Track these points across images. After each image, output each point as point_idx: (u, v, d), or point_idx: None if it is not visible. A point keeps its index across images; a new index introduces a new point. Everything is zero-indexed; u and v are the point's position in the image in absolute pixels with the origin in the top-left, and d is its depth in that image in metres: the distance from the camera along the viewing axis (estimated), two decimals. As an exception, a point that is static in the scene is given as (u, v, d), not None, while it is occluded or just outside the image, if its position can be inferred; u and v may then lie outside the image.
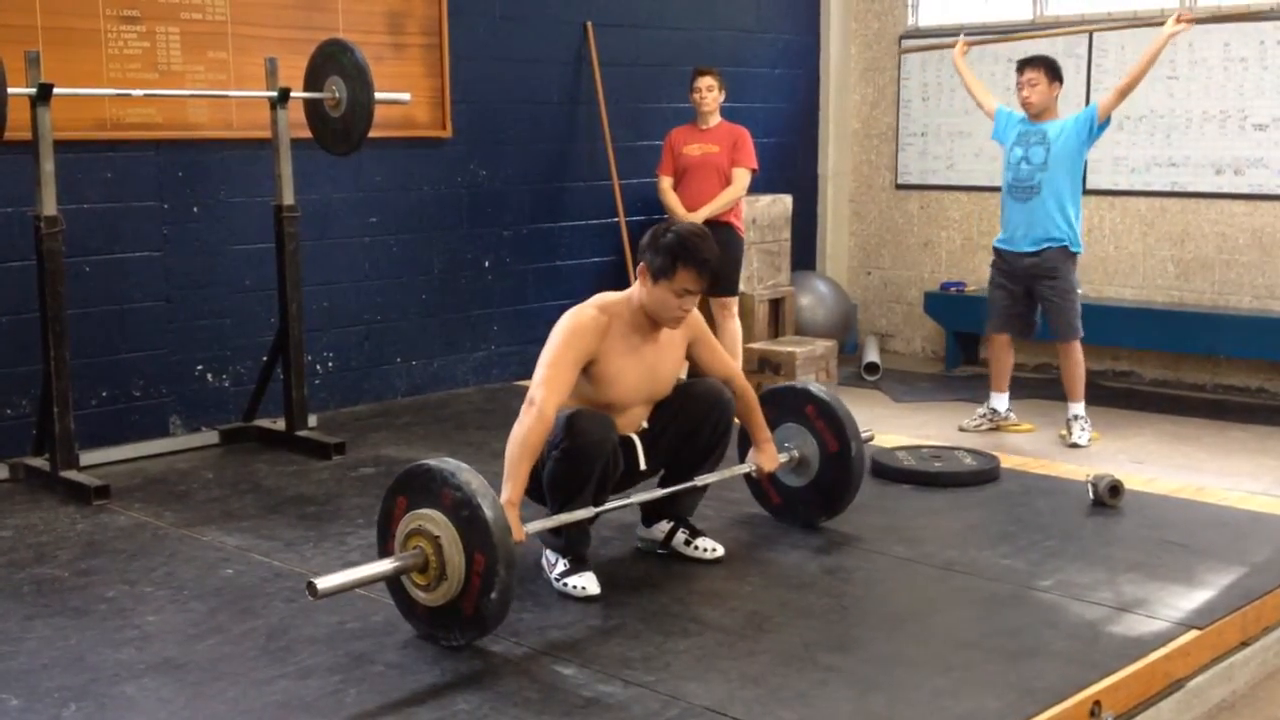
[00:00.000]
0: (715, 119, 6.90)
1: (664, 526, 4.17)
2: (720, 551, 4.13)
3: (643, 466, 3.98)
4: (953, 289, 8.26)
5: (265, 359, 5.79)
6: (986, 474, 5.10)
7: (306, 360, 5.84)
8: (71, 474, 4.94)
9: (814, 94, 8.75)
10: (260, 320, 6.01)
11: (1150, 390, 7.54)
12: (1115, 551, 4.27)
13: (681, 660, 3.36)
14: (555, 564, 3.87)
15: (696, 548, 4.14)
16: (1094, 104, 6.24)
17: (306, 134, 5.71)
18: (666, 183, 6.93)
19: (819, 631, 3.58)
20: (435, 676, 3.28)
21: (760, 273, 7.72)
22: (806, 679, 3.25)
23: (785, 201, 7.96)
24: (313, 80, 5.62)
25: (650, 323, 3.90)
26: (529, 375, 4.04)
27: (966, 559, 4.16)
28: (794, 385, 4.52)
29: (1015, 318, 6.41)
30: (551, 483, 3.77)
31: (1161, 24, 6.10)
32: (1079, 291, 6.31)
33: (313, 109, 5.66)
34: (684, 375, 4.26)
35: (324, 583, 3.21)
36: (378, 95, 5.49)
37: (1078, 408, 6.27)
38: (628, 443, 3.92)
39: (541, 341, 3.87)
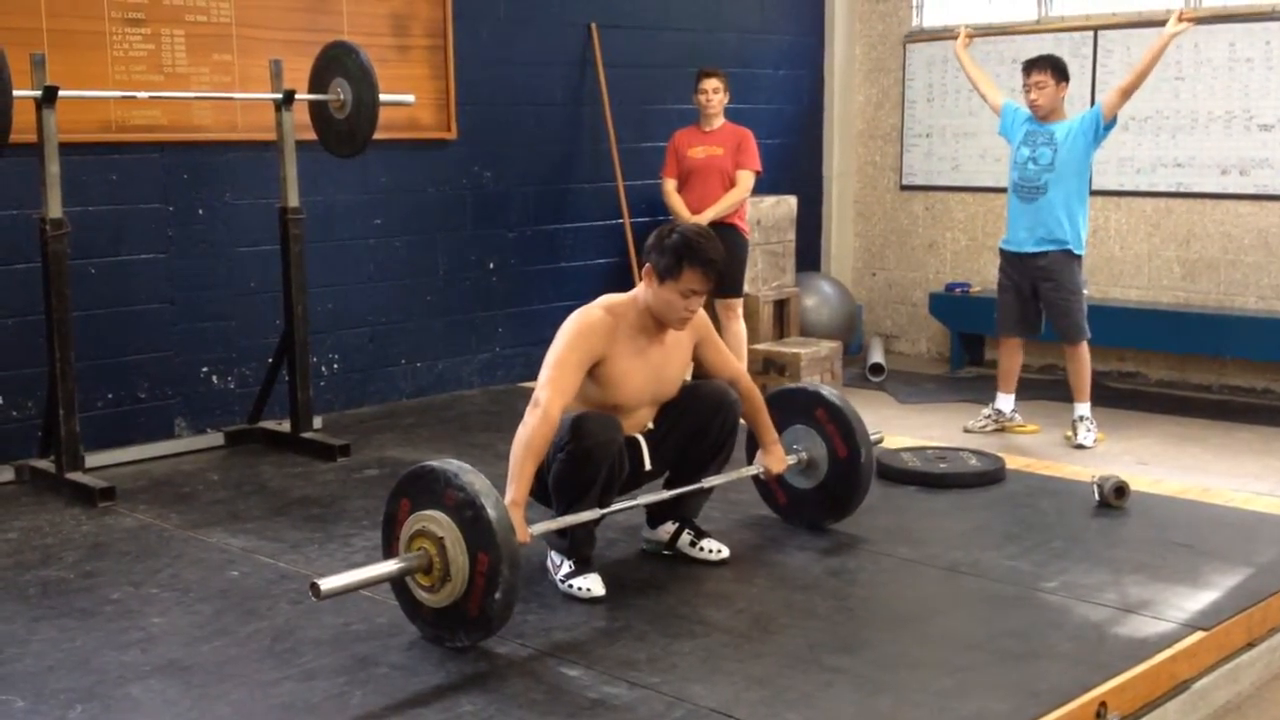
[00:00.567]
0: (719, 121, 6.90)
1: (669, 528, 4.17)
2: (725, 553, 4.13)
3: (647, 467, 3.98)
4: (958, 290, 8.25)
5: (270, 361, 5.80)
6: (992, 475, 5.09)
7: (311, 362, 5.85)
8: (77, 476, 4.94)
9: (818, 95, 8.75)
10: (265, 322, 6.01)
11: (1156, 391, 7.53)
12: (1121, 553, 4.26)
13: (687, 662, 3.36)
14: (560, 566, 3.87)
15: (702, 549, 4.13)
16: (1099, 104, 6.23)
17: (311, 136, 5.72)
18: (671, 185, 6.93)
19: (824, 633, 3.58)
20: (440, 678, 3.28)
21: (765, 274, 7.72)
22: (812, 680, 3.25)
23: (790, 203, 7.96)
24: (318, 82, 5.63)
25: (656, 324, 3.89)
26: (534, 377, 4.04)
27: (971, 560, 4.16)
28: (805, 387, 4.51)
29: (1024, 320, 6.41)
30: (557, 485, 3.77)
31: (1164, 23, 6.10)
32: (1085, 293, 6.30)
33: (318, 111, 5.67)
34: (688, 376, 4.26)
35: (327, 584, 3.21)
36: (382, 97, 5.50)
37: (1083, 409, 6.27)
38: (633, 443, 3.92)
39: (546, 343, 3.86)
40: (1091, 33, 7.70)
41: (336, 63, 5.57)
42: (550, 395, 3.64)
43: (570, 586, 3.81)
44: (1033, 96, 6.21)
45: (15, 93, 4.58)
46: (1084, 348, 6.21)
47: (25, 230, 5.18)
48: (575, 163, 7.33)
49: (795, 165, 8.57)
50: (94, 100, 5.40)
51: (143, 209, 5.69)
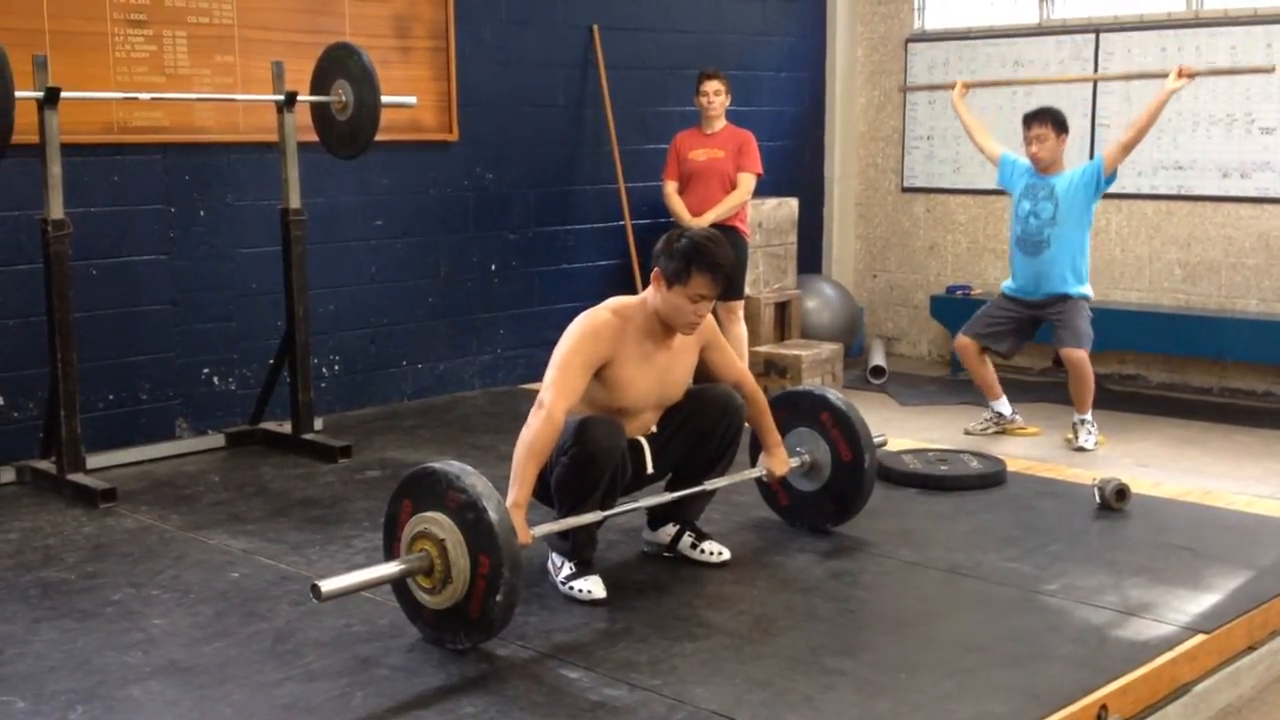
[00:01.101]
0: (721, 123, 6.90)
1: (670, 530, 4.17)
2: (726, 555, 4.13)
3: (650, 470, 3.98)
4: (959, 292, 8.25)
5: (271, 362, 5.80)
6: (992, 477, 5.10)
7: (313, 363, 5.85)
8: (78, 477, 4.95)
9: (820, 97, 8.75)
10: (267, 323, 6.02)
11: (1157, 394, 7.53)
12: (1121, 555, 4.26)
13: (688, 664, 3.36)
14: (561, 567, 3.87)
15: (703, 551, 4.14)
16: (1100, 158, 6.22)
17: (313, 137, 5.72)
18: (672, 188, 6.93)
19: (825, 635, 3.58)
20: (441, 680, 3.28)
21: (766, 276, 7.72)
22: (813, 683, 3.25)
23: (791, 205, 7.97)
24: (319, 84, 5.63)
25: (664, 328, 3.88)
26: (535, 379, 4.05)
27: (972, 563, 4.16)
28: (810, 390, 4.51)
29: (1001, 337, 6.38)
30: (560, 488, 3.77)
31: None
32: (1090, 316, 6.25)
33: (319, 112, 5.67)
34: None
35: (328, 585, 3.21)
36: (384, 99, 5.50)
37: (1084, 413, 6.26)
38: (635, 446, 3.92)
39: (548, 344, 3.86)
40: (1093, 35, 7.71)
41: (338, 64, 5.57)
42: (554, 397, 3.64)
43: (571, 589, 3.81)
44: (1033, 149, 6.22)
45: (17, 94, 4.58)
46: (1085, 361, 6.15)
47: (27, 231, 5.18)
48: (577, 165, 7.33)
49: (796, 167, 8.57)
50: (96, 101, 5.40)
51: (144, 210, 5.69)
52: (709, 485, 4.07)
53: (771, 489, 4.47)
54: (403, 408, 6.57)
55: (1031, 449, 6.13)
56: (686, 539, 4.15)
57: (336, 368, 6.41)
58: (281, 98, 5.54)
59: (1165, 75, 6.13)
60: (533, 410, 3.65)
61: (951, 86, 6.84)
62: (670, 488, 4.10)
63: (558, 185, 7.25)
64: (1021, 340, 6.47)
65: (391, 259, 6.57)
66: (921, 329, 8.71)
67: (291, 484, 5.15)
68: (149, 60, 5.62)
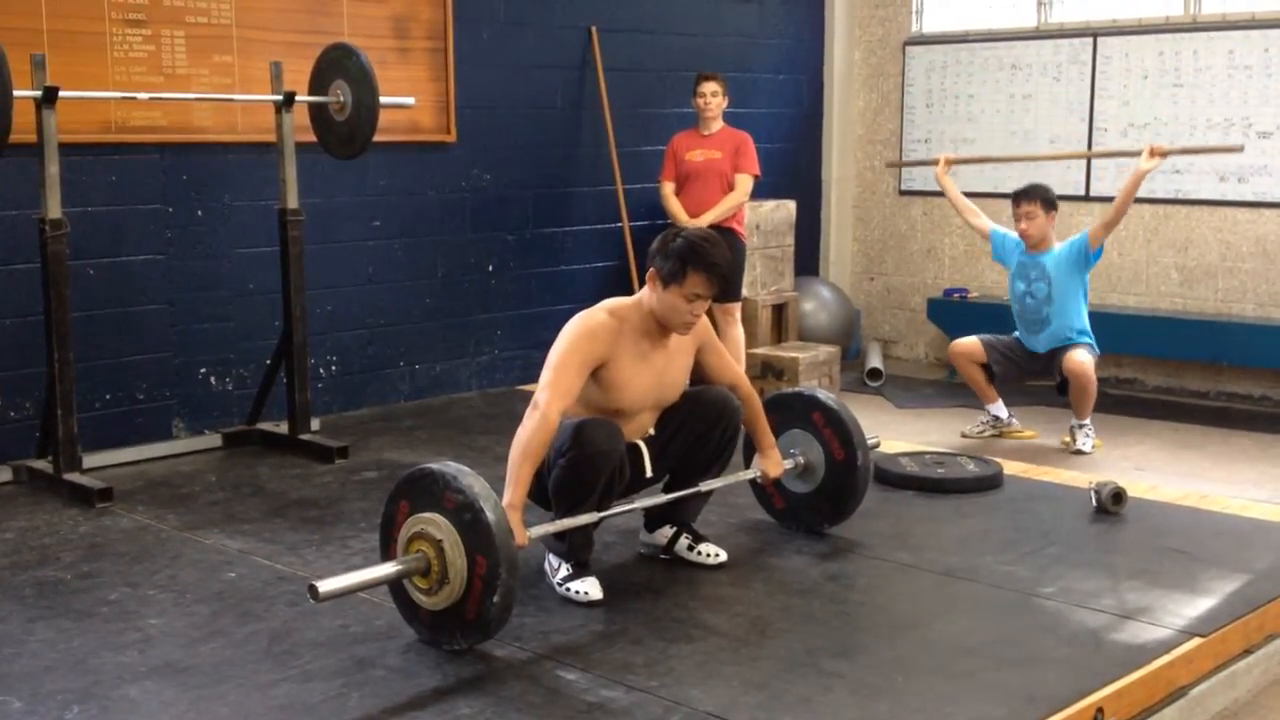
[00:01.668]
0: (718, 124, 6.91)
1: (667, 531, 4.17)
2: (723, 557, 4.13)
3: (648, 474, 3.98)
4: (955, 295, 8.25)
5: (269, 362, 5.80)
6: (989, 480, 5.10)
7: (310, 364, 5.85)
8: (74, 476, 4.94)
9: (818, 99, 8.76)
10: (264, 324, 6.01)
11: (1153, 397, 7.53)
12: (1118, 559, 4.27)
13: (684, 665, 3.36)
14: (558, 569, 3.86)
15: (699, 553, 4.14)
16: (1085, 234, 6.28)
17: (311, 138, 5.72)
18: (669, 188, 6.93)
19: (822, 637, 3.58)
20: (438, 681, 3.28)
21: (763, 278, 7.72)
22: (809, 685, 3.25)
23: (789, 207, 7.97)
24: (318, 84, 5.63)
25: (660, 329, 3.88)
26: (533, 380, 4.05)
27: (969, 565, 4.16)
28: (801, 391, 4.51)
29: (1011, 366, 6.41)
30: (557, 490, 3.77)
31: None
32: (1095, 355, 6.30)
33: (317, 113, 5.67)
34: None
35: (325, 586, 3.21)
36: (382, 99, 5.50)
37: (1083, 418, 6.27)
38: (634, 449, 3.92)
39: (545, 346, 3.86)
40: (1091, 38, 7.71)
41: (337, 65, 5.57)
42: (549, 398, 3.64)
43: (568, 590, 3.81)
44: (1022, 226, 6.29)
45: (15, 93, 4.58)
46: (1089, 370, 6.13)
47: (24, 231, 5.18)
48: (575, 166, 7.33)
49: (794, 170, 8.58)
50: (94, 101, 5.40)
51: (142, 210, 5.69)
52: (705, 487, 4.08)
53: (766, 491, 4.48)
54: (400, 408, 6.57)
55: (1028, 452, 6.13)
56: (683, 541, 4.15)
57: (334, 368, 6.40)
58: (280, 98, 5.54)
59: (1138, 154, 6.21)
60: (528, 411, 3.65)
61: (935, 163, 6.89)
62: (667, 489, 4.10)
63: (556, 186, 7.25)
64: (1020, 378, 6.54)
65: (389, 260, 6.57)
66: (919, 332, 8.72)
67: (288, 484, 5.15)
68: (147, 60, 5.62)
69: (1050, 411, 6.84)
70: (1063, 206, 6.62)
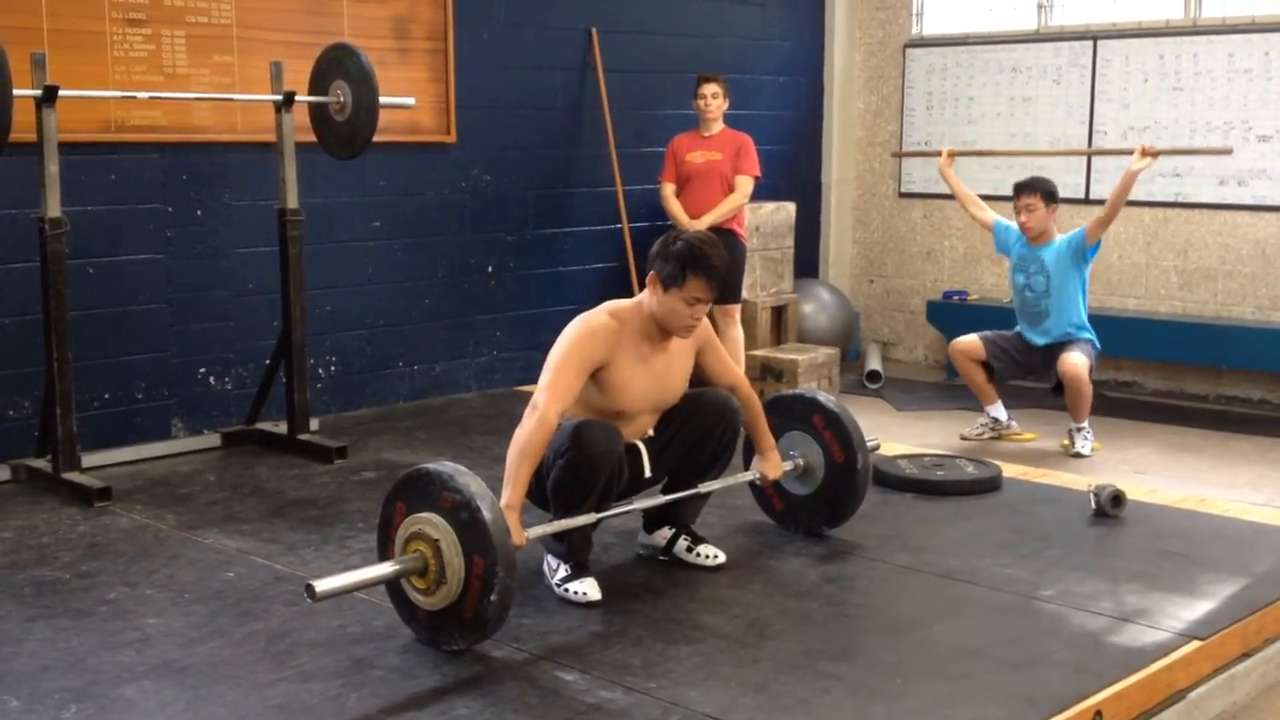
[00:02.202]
0: (719, 126, 6.91)
1: (666, 533, 4.17)
2: (722, 558, 4.13)
3: (647, 474, 3.97)
4: (955, 298, 8.25)
5: (268, 362, 5.79)
6: (988, 483, 5.09)
7: (309, 364, 5.85)
8: (73, 476, 4.94)
9: (818, 101, 8.76)
10: (263, 324, 6.01)
11: (1153, 401, 7.53)
12: (1117, 561, 4.26)
13: (683, 667, 3.36)
14: (556, 569, 3.86)
15: (698, 554, 4.13)
16: (1082, 229, 6.29)
17: (311, 138, 5.72)
18: (669, 190, 6.93)
19: (821, 639, 3.58)
20: (436, 681, 3.27)
21: (763, 280, 7.72)
22: (808, 687, 3.24)
23: (788, 209, 7.97)
24: (318, 84, 5.63)
25: (660, 331, 3.87)
26: (532, 381, 4.04)
27: (968, 568, 4.16)
28: (802, 393, 4.51)
29: (1011, 363, 6.42)
30: (556, 491, 3.76)
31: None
32: (1094, 355, 6.30)
33: (317, 113, 5.67)
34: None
35: (323, 585, 3.21)
36: (382, 100, 5.50)
37: (1081, 421, 6.26)
38: (633, 450, 3.92)
39: (545, 347, 3.86)
40: (1091, 41, 7.71)
41: (337, 65, 5.57)
42: (548, 399, 3.63)
43: (566, 590, 3.81)
44: (1023, 219, 6.31)
45: (15, 92, 4.57)
46: (1084, 376, 6.13)
47: (24, 230, 5.17)
48: (574, 167, 7.33)
49: (794, 172, 8.58)
50: (94, 100, 5.40)
51: (142, 209, 5.69)
52: (704, 488, 4.08)
53: (765, 493, 4.47)
54: (399, 409, 6.57)
55: (1028, 455, 6.13)
56: (682, 542, 4.15)
57: (333, 368, 6.40)
58: (280, 98, 5.54)
59: (1130, 153, 6.26)
60: (526, 411, 3.64)
61: (939, 154, 6.90)
62: (666, 491, 4.10)
63: (555, 187, 7.25)
64: (1019, 375, 6.55)
65: (389, 260, 6.57)
66: (918, 334, 8.72)
67: (287, 484, 5.15)
68: (147, 59, 5.62)
69: (1050, 414, 6.84)
70: (1063, 209, 6.64)
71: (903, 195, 8.70)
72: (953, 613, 3.82)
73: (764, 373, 7.28)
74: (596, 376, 3.79)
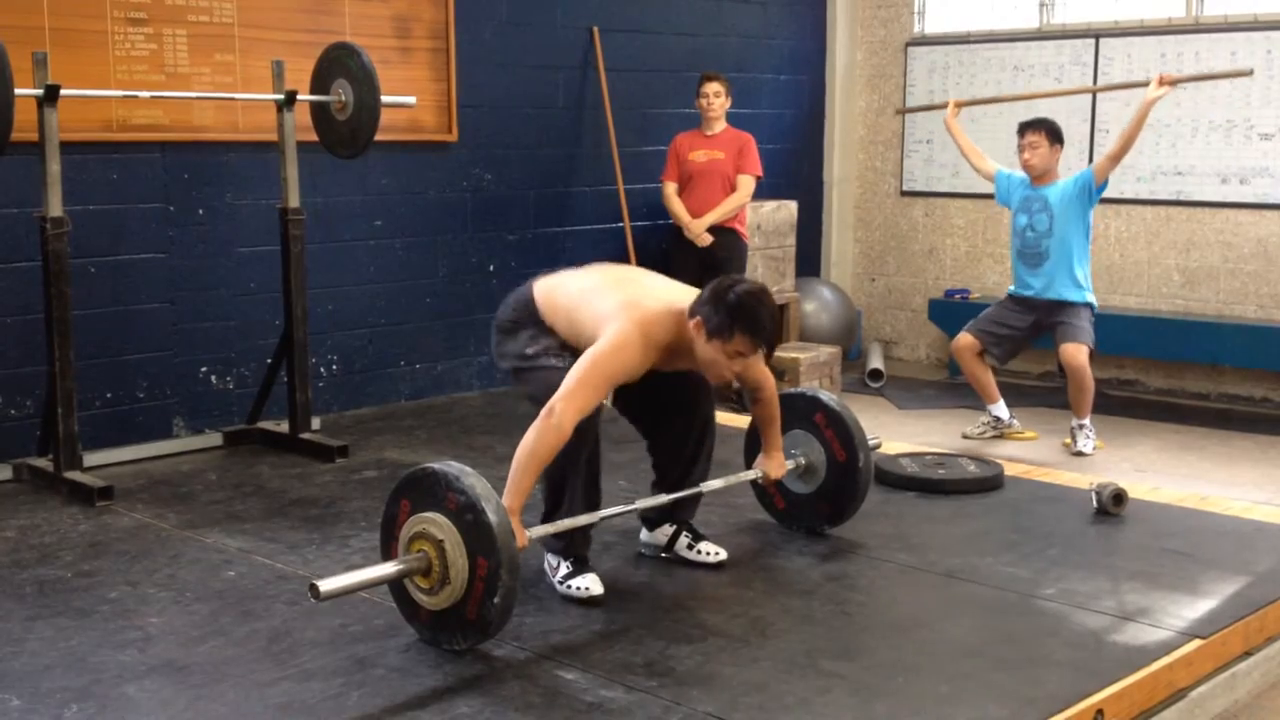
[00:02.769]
0: (721, 125, 6.91)
1: (667, 531, 4.17)
2: (723, 556, 4.13)
3: (608, 403, 3.89)
4: (957, 296, 8.25)
5: (269, 361, 5.79)
6: (990, 481, 5.09)
7: (311, 363, 5.85)
8: (75, 475, 4.94)
9: (820, 100, 8.76)
10: (265, 323, 6.01)
11: (1154, 399, 7.53)
12: (1118, 560, 4.26)
13: (684, 666, 3.36)
14: (558, 567, 3.86)
15: (699, 552, 4.13)
16: (1090, 169, 6.26)
17: (312, 137, 5.72)
18: (671, 188, 6.93)
19: (822, 638, 3.58)
20: (437, 680, 3.27)
21: (765, 279, 7.71)
22: (809, 686, 3.24)
23: (790, 207, 7.97)
24: (319, 83, 5.63)
25: (689, 350, 3.75)
26: (518, 291, 4.05)
27: (970, 567, 4.16)
28: (804, 392, 4.50)
29: (1006, 340, 6.39)
30: (545, 481, 3.75)
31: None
32: (1093, 326, 6.27)
33: (319, 112, 5.67)
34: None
35: (326, 585, 3.21)
36: (384, 99, 5.50)
37: (1083, 417, 6.27)
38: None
39: (546, 347, 3.85)
40: (1093, 40, 7.71)
41: (338, 64, 5.57)
42: (567, 409, 3.52)
43: (569, 587, 3.81)
44: (1026, 156, 6.27)
45: (17, 91, 4.57)
46: (1085, 363, 6.14)
47: (26, 229, 5.18)
48: (576, 166, 7.33)
49: (796, 170, 8.58)
50: (95, 99, 5.40)
51: (143, 208, 5.69)
52: (705, 488, 4.07)
53: (767, 492, 4.47)
54: (401, 408, 6.57)
55: (1029, 453, 6.13)
56: (683, 540, 4.15)
57: (335, 367, 6.40)
58: (281, 97, 5.54)
59: (1146, 85, 6.17)
60: (541, 416, 3.54)
61: (944, 106, 6.87)
62: (665, 489, 4.09)
63: (557, 186, 7.25)
64: (1018, 349, 6.50)
65: (390, 259, 6.57)
66: (920, 333, 8.72)
67: (289, 483, 5.15)
68: (149, 58, 5.62)
69: (1051, 413, 6.84)
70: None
71: (904, 194, 8.70)
72: (954, 611, 3.82)
73: (765, 371, 7.27)
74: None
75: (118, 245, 5.62)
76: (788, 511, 4.47)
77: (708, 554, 4.12)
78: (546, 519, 3.82)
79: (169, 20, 5.66)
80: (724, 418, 5.17)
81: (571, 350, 3.80)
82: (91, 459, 5.16)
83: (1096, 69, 7.70)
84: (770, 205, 7.78)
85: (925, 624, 3.71)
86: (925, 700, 3.17)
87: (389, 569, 3.39)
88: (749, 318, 3.63)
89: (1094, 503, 4.75)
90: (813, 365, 7.34)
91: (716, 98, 6.86)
